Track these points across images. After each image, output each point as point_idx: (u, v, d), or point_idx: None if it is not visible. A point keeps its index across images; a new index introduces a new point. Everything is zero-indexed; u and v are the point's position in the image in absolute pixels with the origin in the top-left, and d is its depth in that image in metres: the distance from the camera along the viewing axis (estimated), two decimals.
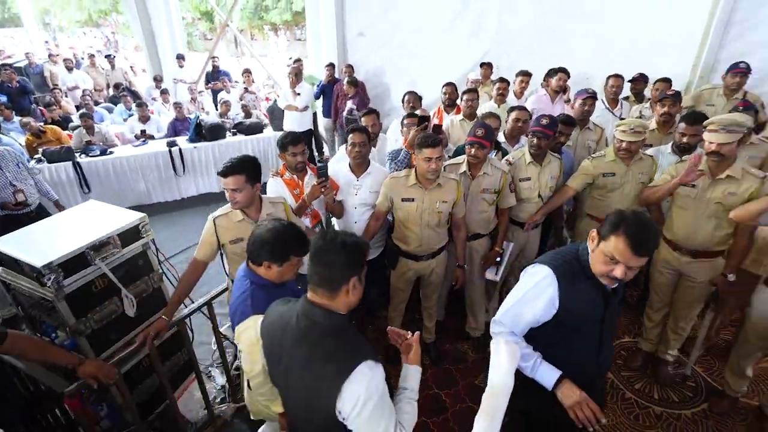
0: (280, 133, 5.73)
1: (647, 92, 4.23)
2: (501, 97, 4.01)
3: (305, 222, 2.53)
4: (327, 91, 6.08)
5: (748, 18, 4.34)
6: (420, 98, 3.74)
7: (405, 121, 3.07)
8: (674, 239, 2.48)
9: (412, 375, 1.34)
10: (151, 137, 5.71)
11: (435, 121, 3.80)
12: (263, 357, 1.39)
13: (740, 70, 3.73)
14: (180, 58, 7.85)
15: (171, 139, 5.51)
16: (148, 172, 5.29)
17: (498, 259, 2.69)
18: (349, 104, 5.51)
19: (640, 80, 4.19)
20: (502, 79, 4.09)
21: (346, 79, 5.60)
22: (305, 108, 5.53)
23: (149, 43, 8.01)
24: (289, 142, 2.47)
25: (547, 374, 1.49)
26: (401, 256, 2.57)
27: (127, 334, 2.13)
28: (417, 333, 1.42)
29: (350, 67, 5.99)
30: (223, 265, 2.22)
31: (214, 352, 2.91)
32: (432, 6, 5.74)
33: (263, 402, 1.53)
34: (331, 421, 1.17)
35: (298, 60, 6.48)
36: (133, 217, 2.10)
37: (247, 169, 1.99)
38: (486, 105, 4.03)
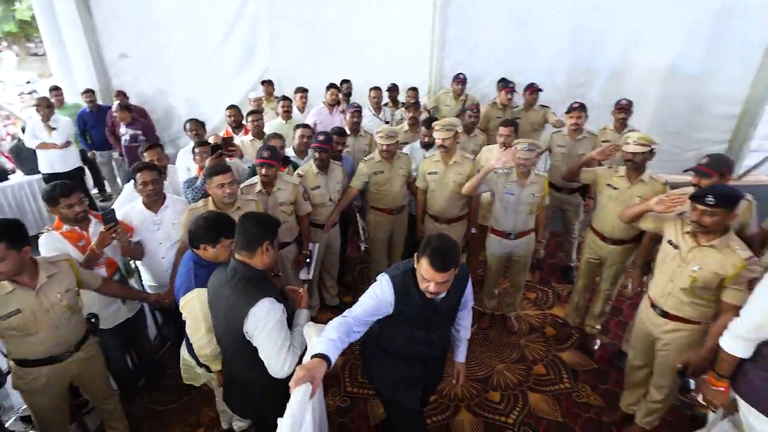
0: (34, 177, 4.85)
1: (402, 98, 5.22)
2: (287, 114, 4.31)
3: (101, 272, 2.34)
4: (90, 119, 5.28)
5: (459, 33, 5.63)
6: (203, 124, 3.71)
7: (197, 150, 3.10)
8: (434, 213, 3.33)
9: (302, 316, 1.85)
10: None
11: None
12: (207, 320, 1.83)
13: (459, 80, 5.02)
14: None
15: None
16: None
17: (308, 260, 3.05)
18: (129, 131, 4.95)
19: (393, 89, 5.15)
20: (284, 97, 4.41)
21: (116, 104, 5.00)
22: (67, 143, 4.72)
23: None
24: (59, 194, 2.19)
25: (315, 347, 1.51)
26: None
27: None
28: (305, 286, 2.09)
29: (122, 93, 5.37)
30: None
31: None
32: (198, 24, 5.54)
33: (204, 361, 1.95)
34: (243, 342, 1.67)
35: (56, 88, 5.37)
36: None
37: (4, 234, 1.73)
38: (274, 122, 4.29)
